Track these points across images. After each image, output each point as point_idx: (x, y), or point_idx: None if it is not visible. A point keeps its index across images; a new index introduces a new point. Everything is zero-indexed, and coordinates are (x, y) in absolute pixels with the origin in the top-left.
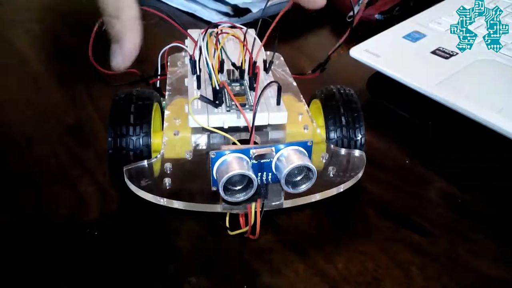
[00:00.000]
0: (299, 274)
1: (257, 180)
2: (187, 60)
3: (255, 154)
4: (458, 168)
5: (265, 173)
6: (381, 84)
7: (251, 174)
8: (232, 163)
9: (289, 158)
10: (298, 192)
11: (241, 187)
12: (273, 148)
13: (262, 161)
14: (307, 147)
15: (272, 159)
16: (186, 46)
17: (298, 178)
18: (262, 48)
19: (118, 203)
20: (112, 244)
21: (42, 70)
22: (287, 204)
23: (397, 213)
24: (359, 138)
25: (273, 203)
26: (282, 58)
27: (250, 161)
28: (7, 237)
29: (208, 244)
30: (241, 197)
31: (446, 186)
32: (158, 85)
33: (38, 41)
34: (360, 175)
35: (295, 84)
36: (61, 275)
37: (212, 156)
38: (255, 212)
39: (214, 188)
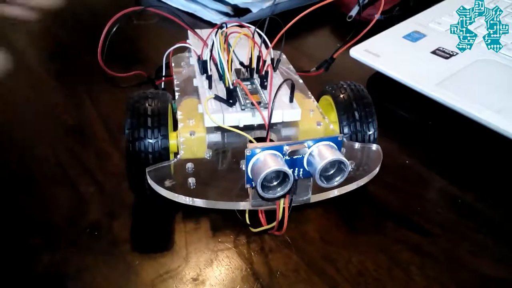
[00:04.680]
0: (299, 274)
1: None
2: (191, 60)
3: (289, 151)
4: (458, 168)
5: (296, 168)
6: (381, 84)
7: (287, 170)
8: (268, 160)
9: (322, 153)
10: (332, 186)
11: (275, 183)
12: (306, 144)
13: (294, 157)
14: (338, 142)
15: (304, 155)
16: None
17: (331, 172)
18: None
19: (118, 203)
20: (111, 244)
21: (42, 70)
22: (313, 199)
23: (397, 213)
24: (372, 132)
25: (301, 199)
26: (284, 56)
27: (284, 157)
28: (7, 237)
29: (209, 245)
30: (278, 192)
31: (446, 186)
32: (163, 86)
33: (38, 41)
34: (377, 169)
35: (301, 81)
36: (62, 275)
37: (248, 154)
38: (283, 208)
39: (248, 186)
